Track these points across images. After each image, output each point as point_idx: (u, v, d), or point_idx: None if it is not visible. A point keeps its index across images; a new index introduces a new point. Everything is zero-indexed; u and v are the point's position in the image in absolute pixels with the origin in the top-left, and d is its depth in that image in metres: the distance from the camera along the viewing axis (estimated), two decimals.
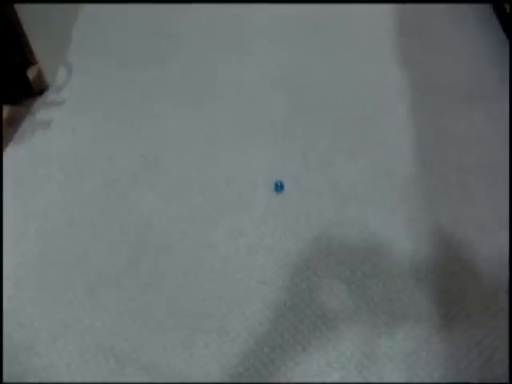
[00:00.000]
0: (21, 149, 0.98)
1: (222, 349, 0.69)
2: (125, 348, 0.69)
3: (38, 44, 1.06)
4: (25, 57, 1.01)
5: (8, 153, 0.97)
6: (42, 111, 1.06)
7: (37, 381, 0.67)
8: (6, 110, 1.00)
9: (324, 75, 1.16)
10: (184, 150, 0.98)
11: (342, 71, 1.17)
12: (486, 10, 1.32)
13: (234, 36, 1.27)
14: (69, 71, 1.14)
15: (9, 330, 0.72)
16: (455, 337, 0.70)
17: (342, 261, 0.79)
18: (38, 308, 0.74)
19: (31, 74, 1.04)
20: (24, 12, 1.00)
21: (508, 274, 0.76)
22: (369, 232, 0.83)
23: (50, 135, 1.01)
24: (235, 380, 0.67)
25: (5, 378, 0.65)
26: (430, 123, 1.03)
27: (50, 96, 1.09)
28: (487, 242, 0.81)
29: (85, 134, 1.02)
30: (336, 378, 0.67)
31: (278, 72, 1.16)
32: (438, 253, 0.80)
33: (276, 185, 0.89)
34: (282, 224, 0.84)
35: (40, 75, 1.07)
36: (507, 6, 1.20)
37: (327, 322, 0.72)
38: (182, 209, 0.87)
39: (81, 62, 1.17)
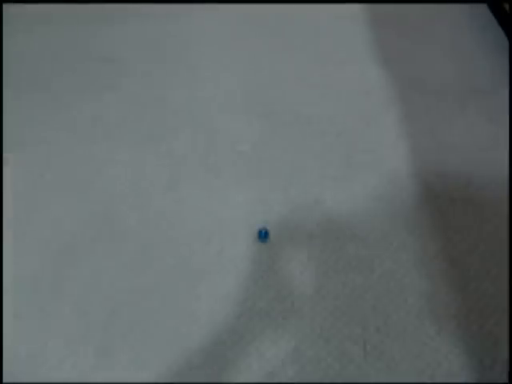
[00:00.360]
0: None
1: None
2: None
3: None
4: None
5: None
6: None
7: None
8: None
9: (295, 85, 1.17)
10: (141, 201, 0.97)
11: (315, 78, 1.19)
12: (479, 9, 1.39)
13: (181, 50, 1.26)
14: None
15: None
16: None
17: (351, 316, 0.80)
18: None
19: None
20: None
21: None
22: (376, 276, 0.84)
23: None
24: None
25: None
26: (423, 130, 1.07)
27: None
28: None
29: (20, 194, 0.99)
30: None
31: (239, 89, 1.16)
32: (457, 292, 0.82)
33: (260, 232, 0.89)
34: (275, 281, 0.84)
35: None
36: (506, 6, 1.27)
37: None
38: (151, 278, 0.85)
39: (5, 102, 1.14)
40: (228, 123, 1.10)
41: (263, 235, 0.89)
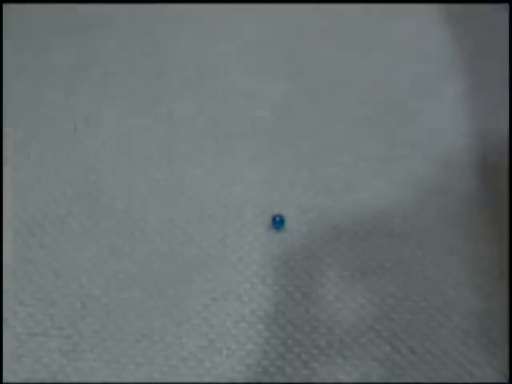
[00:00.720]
0: None
1: None
2: None
3: None
4: None
5: None
6: None
7: None
8: None
9: (331, 42, 1.16)
10: (130, 174, 0.96)
11: (357, 33, 1.19)
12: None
13: None
14: None
15: None
16: None
17: (378, 331, 0.78)
18: None
19: None
20: None
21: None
22: (415, 284, 0.82)
23: None
24: None
25: None
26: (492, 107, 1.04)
27: None
28: None
29: None
30: None
31: (262, 41, 1.16)
32: None
33: (274, 219, 0.87)
34: (287, 280, 0.82)
35: None
36: None
37: None
38: (135, 265, 0.84)
39: None
40: (244, 81, 1.09)
41: (278, 223, 0.87)
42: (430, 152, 0.98)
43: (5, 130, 1.01)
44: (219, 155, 0.99)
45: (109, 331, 0.76)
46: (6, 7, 1.19)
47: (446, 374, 0.74)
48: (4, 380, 0.70)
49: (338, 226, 0.88)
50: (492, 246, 0.86)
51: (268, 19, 1.25)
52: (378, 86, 1.09)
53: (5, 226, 0.87)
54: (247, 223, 0.89)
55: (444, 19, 1.22)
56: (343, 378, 0.74)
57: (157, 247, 0.86)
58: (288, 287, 0.81)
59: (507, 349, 0.74)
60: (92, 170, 0.97)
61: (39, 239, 0.88)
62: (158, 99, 1.09)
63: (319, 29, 1.23)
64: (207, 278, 0.82)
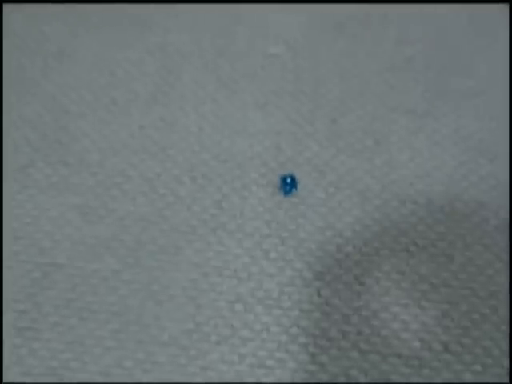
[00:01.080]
0: None
1: None
2: None
3: None
4: None
5: None
6: None
7: None
8: None
9: None
10: (110, 117, 0.96)
11: None
12: None
13: None
14: None
15: None
16: None
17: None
18: None
19: None
20: None
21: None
22: (455, 268, 0.81)
23: None
24: None
25: None
26: None
27: None
28: None
29: None
30: None
31: None
32: None
33: (284, 180, 0.87)
34: (295, 257, 0.81)
35: None
36: None
37: None
38: (109, 230, 0.83)
39: None
40: (254, 9, 1.08)
41: (288, 185, 0.87)
42: (481, 107, 0.98)
43: None
44: (221, 99, 0.98)
45: (73, 307, 0.75)
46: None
47: (486, 378, 0.72)
48: None
49: (363, 191, 0.88)
50: None
51: None
52: (421, 21, 1.08)
53: None
54: (251, 184, 0.88)
55: None
56: (358, 377, 0.73)
57: (137, 208, 0.85)
58: (296, 263, 0.81)
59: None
60: (62, 112, 0.96)
61: None
62: (149, 28, 1.08)
63: None
64: (197, 247, 0.81)
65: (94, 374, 0.71)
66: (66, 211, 0.85)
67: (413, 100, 0.99)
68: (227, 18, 1.10)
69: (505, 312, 0.77)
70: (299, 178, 0.88)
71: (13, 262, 0.80)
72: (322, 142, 0.93)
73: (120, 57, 1.04)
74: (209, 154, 0.91)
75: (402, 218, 0.85)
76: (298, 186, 0.88)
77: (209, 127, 0.94)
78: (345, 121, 0.96)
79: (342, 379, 0.72)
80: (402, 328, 0.75)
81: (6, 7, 1.06)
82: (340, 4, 1.11)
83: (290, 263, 0.81)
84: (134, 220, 0.84)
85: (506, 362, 0.73)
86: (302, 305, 0.77)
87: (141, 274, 0.79)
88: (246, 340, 0.74)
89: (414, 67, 1.03)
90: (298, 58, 1.04)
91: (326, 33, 1.08)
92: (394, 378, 0.73)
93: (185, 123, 0.95)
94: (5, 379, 0.71)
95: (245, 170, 0.90)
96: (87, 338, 0.73)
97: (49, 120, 0.95)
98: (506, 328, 0.75)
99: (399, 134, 0.94)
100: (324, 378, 0.72)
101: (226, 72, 1.01)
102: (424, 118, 0.96)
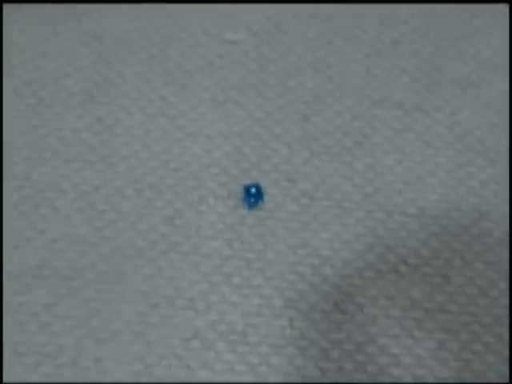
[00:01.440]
0: None
1: None
2: None
3: None
4: None
5: None
6: None
7: None
8: None
9: None
10: (37, 126, 0.96)
11: None
12: None
13: None
14: None
15: None
16: None
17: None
18: None
19: None
20: None
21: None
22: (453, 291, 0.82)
23: None
24: None
25: None
26: None
27: None
28: None
29: None
30: None
31: None
32: None
33: (247, 191, 0.87)
34: (263, 281, 0.82)
35: None
36: None
37: None
38: (49, 265, 0.83)
39: None
40: None
41: (253, 196, 0.87)
42: (480, 99, 0.99)
43: None
44: (170, 95, 0.98)
45: None
46: None
47: None
48: None
49: (342, 202, 0.88)
50: None
51: None
52: None
53: None
54: (208, 195, 0.89)
55: None
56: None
57: (72, 229, 0.85)
58: (264, 290, 0.81)
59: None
60: None
61: None
62: (83, 14, 1.08)
63: None
64: (145, 273, 0.82)
65: None
66: None
67: (399, 92, 1.00)
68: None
69: None
70: (266, 188, 0.89)
71: None
72: (292, 145, 0.93)
73: (48, 48, 1.04)
74: (157, 162, 0.91)
75: (389, 232, 0.85)
76: (265, 198, 0.88)
77: (156, 130, 0.94)
78: (319, 119, 0.96)
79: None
80: (391, 363, 0.76)
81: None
82: None
83: (257, 289, 0.81)
84: (69, 242, 0.84)
85: None
86: (272, 339, 0.77)
87: (77, 307, 0.79)
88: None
89: (401, 52, 1.04)
90: (262, 45, 1.05)
91: (297, 17, 1.09)
92: None
93: (128, 125, 0.95)
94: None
95: (201, 179, 0.90)
96: None
97: None
98: None
99: (384, 133, 0.95)
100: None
101: (176, 63, 1.02)
102: (413, 114, 0.97)
